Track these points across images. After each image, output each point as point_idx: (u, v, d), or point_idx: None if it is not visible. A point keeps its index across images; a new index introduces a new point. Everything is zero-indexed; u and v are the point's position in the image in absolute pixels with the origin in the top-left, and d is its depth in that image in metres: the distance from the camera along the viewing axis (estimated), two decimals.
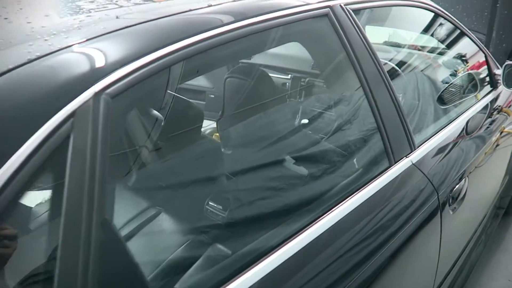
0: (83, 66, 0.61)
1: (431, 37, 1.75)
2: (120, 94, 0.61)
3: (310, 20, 0.95)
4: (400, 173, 1.05)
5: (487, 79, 1.81)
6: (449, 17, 1.55)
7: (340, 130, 1.10)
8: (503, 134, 1.92)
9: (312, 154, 1.10)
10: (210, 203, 1.20)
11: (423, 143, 1.20)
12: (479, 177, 1.57)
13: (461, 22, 2.39)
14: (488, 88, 1.82)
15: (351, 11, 1.03)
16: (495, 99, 1.79)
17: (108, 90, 0.59)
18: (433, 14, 1.47)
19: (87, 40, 0.66)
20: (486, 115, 1.68)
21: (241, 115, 1.17)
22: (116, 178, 0.83)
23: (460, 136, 1.42)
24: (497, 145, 1.82)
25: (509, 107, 2.01)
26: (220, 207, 1.20)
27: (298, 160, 1.12)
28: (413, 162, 1.10)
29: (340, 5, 1.01)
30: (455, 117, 1.49)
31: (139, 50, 0.68)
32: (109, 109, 0.59)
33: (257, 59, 2.18)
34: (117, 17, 0.76)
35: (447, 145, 1.29)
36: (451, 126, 1.40)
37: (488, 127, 1.70)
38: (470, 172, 1.40)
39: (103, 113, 0.58)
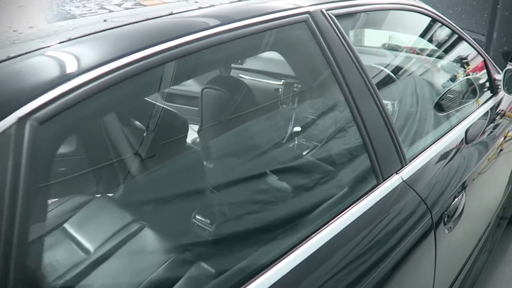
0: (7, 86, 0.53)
1: (426, 42, 1.66)
2: (55, 117, 0.53)
3: (287, 28, 0.87)
4: (388, 192, 0.97)
5: (487, 84, 1.72)
6: (445, 20, 1.46)
7: (322, 145, 1.02)
8: (507, 138, 1.83)
9: (293, 171, 1.02)
10: (197, 216, 1.17)
11: (416, 156, 1.12)
12: (479, 189, 1.48)
13: (460, 24, 2.31)
14: (488, 94, 1.73)
15: (333, 17, 0.95)
16: (495, 106, 1.70)
17: (36, 115, 0.51)
18: (427, 18, 1.39)
19: (24, 54, 0.58)
20: (487, 122, 1.59)
21: (219, 128, 1.10)
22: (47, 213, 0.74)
23: (458, 147, 1.33)
24: (500, 152, 1.73)
25: None
26: (208, 221, 1.16)
27: (280, 176, 1.05)
28: (404, 179, 1.02)
29: (321, 11, 0.93)
30: (453, 126, 1.40)
31: (86, 65, 0.60)
32: (37, 136, 0.51)
33: (249, 63, 2.11)
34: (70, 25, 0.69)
35: (443, 158, 1.21)
36: (448, 136, 1.31)
37: (489, 135, 1.61)
38: (470, 184, 1.31)
39: (28, 141, 0.50)
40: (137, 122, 1.50)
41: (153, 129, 1.45)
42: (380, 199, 0.95)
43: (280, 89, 2.11)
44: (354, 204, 0.92)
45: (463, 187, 1.25)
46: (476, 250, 1.52)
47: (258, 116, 1.04)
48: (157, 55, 0.68)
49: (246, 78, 2.18)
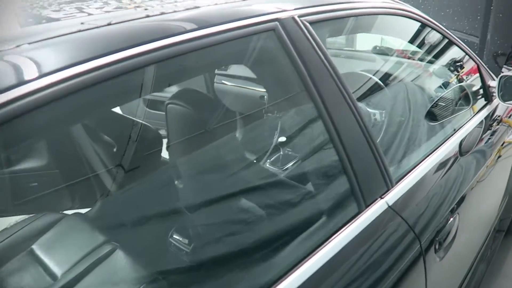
0: None
1: (415, 49, 1.56)
2: None
3: (252, 38, 0.76)
4: (372, 221, 0.86)
5: (481, 91, 1.62)
6: (436, 25, 1.36)
7: (296, 167, 0.91)
8: (504, 144, 1.73)
9: (264, 195, 0.91)
10: (174, 236, 1.08)
11: (404, 176, 1.01)
12: (474, 205, 1.38)
13: (452, 27, 2.21)
14: (482, 102, 1.63)
15: (307, 24, 0.84)
16: (490, 114, 1.60)
17: None
18: (416, 22, 1.28)
19: None
20: (481, 133, 1.49)
21: (186, 145, 0.99)
22: None
23: (451, 162, 1.22)
24: (497, 162, 1.63)
25: (510, 117, 1.82)
26: (186, 240, 1.09)
27: (251, 199, 0.95)
28: (389, 205, 0.91)
29: (293, 18, 0.82)
30: (446, 139, 1.30)
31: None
32: None
33: (235, 69, 2.00)
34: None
35: (434, 177, 1.10)
36: (440, 151, 1.20)
37: (485, 145, 1.50)
38: (464, 202, 1.20)
39: None
40: (106, 136, 1.42)
41: (124, 143, 1.37)
42: (362, 230, 0.84)
43: (265, 96, 2.01)
44: (333, 237, 0.81)
45: (457, 206, 1.14)
46: (470, 271, 1.42)
47: (225, 133, 0.93)
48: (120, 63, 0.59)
49: (229, 85, 2.07)
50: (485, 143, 1.52)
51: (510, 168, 1.84)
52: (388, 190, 0.93)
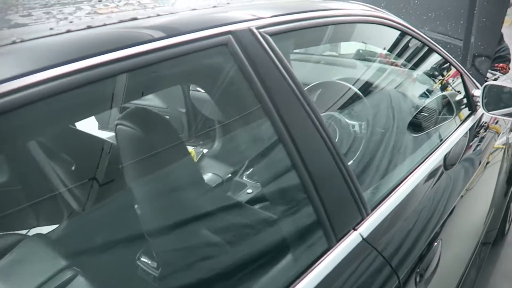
0: None
1: (394, 58, 1.48)
2: None
3: (199, 55, 0.65)
4: (344, 257, 0.76)
5: (465, 101, 1.54)
6: (416, 33, 1.27)
7: (254, 197, 0.81)
8: (492, 150, 1.67)
9: (224, 226, 0.81)
10: (141, 258, 1.02)
11: (381, 202, 0.91)
12: (459, 224, 1.29)
13: (435, 31, 2.13)
14: (466, 111, 1.55)
15: (267, 36, 0.74)
16: (475, 125, 1.52)
17: None
18: (394, 31, 1.19)
19: None
20: (465, 147, 1.41)
21: (136, 171, 0.89)
22: None
23: (432, 182, 1.14)
24: (484, 171, 1.56)
25: (496, 122, 1.75)
26: (154, 264, 1.02)
27: (206, 229, 0.85)
28: (364, 237, 0.81)
29: (250, 29, 0.72)
30: (427, 155, 1.21)
31: None
32: None
33: None
34: None
35: (415, 199, 1.01)
36: (421, 170, 1.11)
37: (468, 161, 1.42)
38: (448, 224, 1.11)
39: None
40: (64, 154, 1.33)
41: (83, 161, 1.28)
42: (333, 269, 0.74)
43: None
44: (300, 278, 0.71)
45: (440, 230, 1.05)
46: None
47: (178, 158, 0.83)
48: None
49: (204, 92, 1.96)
50: (471, 155, 1.44)
51: (495, 181, 1.77)
52: (362, 219, 0.83)
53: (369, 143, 1.39)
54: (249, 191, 0.85)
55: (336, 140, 1.46)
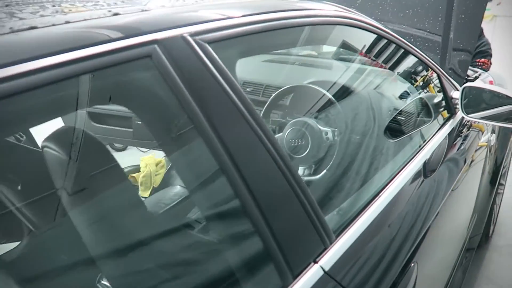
0: None
1: (361, 66, 1.38)
2: None
3: (119, 69, 0.54)
4: None
5: (444, 103, 1.45)
6: (390, 34, 1.17)
7: (195, 233, 0.71)
8: (477, 148, 1.59)
9: (158, 267, 0.71)
10: (102, 282, 0.93)
11: (348, 226, 0.81)
12: (440, 238, 1.21)
13: (412, 28, 2.04)
14: (445, 114, 1.46)
15: (204, 45, 0.63)
16: (455, 128, 1.44)
17: None
18: (364, 32, 1.09)
19: None
20: (445, 152, 1.32)
21: (68, 197, 0.79)
22: None
23: (410, 195, 1.05)
24: (471, 164, 1.49)
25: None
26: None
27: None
28: (326, 270, 0.71)
29: (183, 37, 0.61)
30: (403, 165, 1.12)
31: None
32: None
33: None
34: None
35: (388, 218, 0.91)
36: (396, 183, 1.02)
37: (449, 166, 1.34)
38: (425, 242, 1.02)
39: None
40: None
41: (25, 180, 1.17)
42: None
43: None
44: None
45: (416, 249, 0.96)
46: None
47: (113, 179, 0.72)
48: None
49: None
50: (450, 161, 1.36)
51: (478, 184, 1.69)
52: (325, 249, 0.73)
53: (341, 152, 1.29)
54: (192, 218, 0.74)
55: (308, 150, 1.36)
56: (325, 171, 1.33)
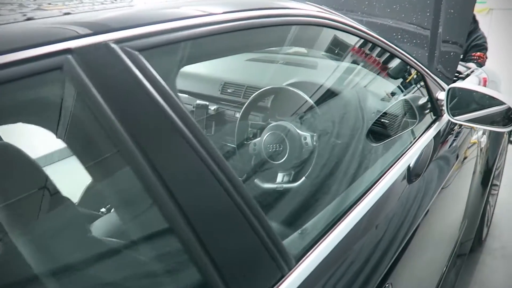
0: None
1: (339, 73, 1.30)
2: None
3: (18, 85, 0.47)
4: None
5: (429, 105, 1.37)
6: (371, 35, 1.09)
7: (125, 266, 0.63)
8: (469, 145, 1.53)
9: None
10: None
11: (312, 248, 0.74)
12: (427, 246, 1.14)
13: (400, 24, 1.95)
14: (431, 116, 1.38)
15: (134, 53, 0.55)
16: (441, 131, 1.36)
17: None
18: (340, 32, 1.01)
19: None
20: (430, 157, 1.24)
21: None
22: None
23: (390, 205, 0.97)
24: (464, 160, 1.41)
25: None
26: None
27: None
28: None
29: (106, 44, 0.53)
30: (383, 172, 1.04)
31: None
32: None
33: None
34: None
35: (360, 237, 0.84)
36: (373, 194, 0.94)
37: (435, 170, 1.26)
38: (408, 253, 0.95)
39: None
40: None
41: None
42: None
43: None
44: None
45: (392, 267, 0.89)
46: None
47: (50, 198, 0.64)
48: None
49: None
50: (436, 166, 1.28)
51: (468, 187, 1.62)
52: (282, 277, 0.66)
53: (320, 159, 1.22)
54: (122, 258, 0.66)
55: (286, 156, 1.29)
56: (304, 178, 1.26)
